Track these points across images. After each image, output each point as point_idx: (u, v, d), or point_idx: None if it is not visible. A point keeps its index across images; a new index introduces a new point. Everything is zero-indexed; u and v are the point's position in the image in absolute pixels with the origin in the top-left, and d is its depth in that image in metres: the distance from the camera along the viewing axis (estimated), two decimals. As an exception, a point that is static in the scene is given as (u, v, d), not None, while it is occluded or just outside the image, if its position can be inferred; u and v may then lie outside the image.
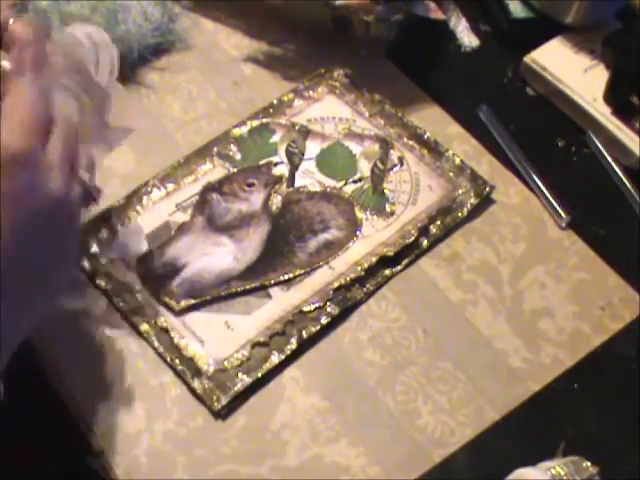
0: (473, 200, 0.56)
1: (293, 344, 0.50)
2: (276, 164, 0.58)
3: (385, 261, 0.53)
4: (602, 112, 0.59)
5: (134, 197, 0.56)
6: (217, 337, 0.50)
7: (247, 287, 0.52)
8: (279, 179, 0.57)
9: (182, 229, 0.55)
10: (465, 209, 0.56)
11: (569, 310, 0.52)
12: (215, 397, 0.48)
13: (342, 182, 0.57)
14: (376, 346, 0.51)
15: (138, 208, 0.56)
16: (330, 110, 0.61)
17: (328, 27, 0.64)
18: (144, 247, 0.54)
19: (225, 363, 0.49)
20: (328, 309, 0.51)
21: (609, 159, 0.59)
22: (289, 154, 0.59)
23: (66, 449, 0.48)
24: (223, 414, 0.48)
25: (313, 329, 0.51)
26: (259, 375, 0.49)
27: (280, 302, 0.52)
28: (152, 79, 0.63)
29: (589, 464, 0.43)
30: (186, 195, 0.57)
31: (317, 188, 0.57)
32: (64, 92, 0.41)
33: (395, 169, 0.58)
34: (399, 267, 0.53)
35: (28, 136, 0.35)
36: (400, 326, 0.51)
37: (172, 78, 0.63)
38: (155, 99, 0.62)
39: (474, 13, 0.68)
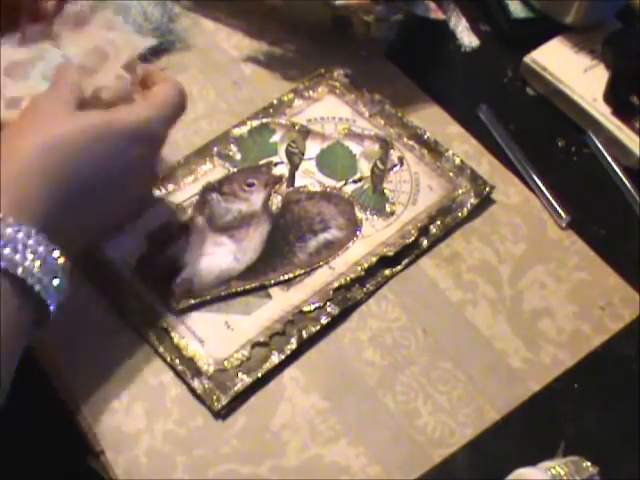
0: (473, 200, 0.56)
1: (293, 344, 0.50)
2: (276, 164, 0.58)
3: (385, 261, 0.53)
4: (602, 112, 0.59)
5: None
6: (217, 337, 0.50)
7: (247, 287, 0.52)
8: (279, 179, 0.57)
9: (182, 229, 0.55)
10: (465, 209, 0.56)
11: (569, 310, 0.52)
12: (215, 397, 0.48)
13: (342, 182, 0.57)
14: (376, 346, 0.51)
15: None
16: (330, 110, 0.61)
17: (328, 27, 0.64)
18: (144, 247, 0.54)
19: (225, 363, 0.49)
20: (328, 309, 0.51)
21: (609, 159, 0.59)
22: (289, 154, 0.59)
23: (66, 449, 0.48)
24: (223, 414, 0.48)
25: (313, 329, 0.51)
26: (259, 375, 0.49)
27: (280, 302, 0.52)
28: (152, 79, 0.63)
29: (589, 464, 0.43)
30: (186, 195, 0.57)
31: (317, 188, 0.57)
32: None
33: (395, 169, 0.58)
34: (399, 267, 0.53)
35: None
36: (400, 326, 0.51)
37: (172, 78, 0.63)
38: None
39: (474, 13, 0.68)
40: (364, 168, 0.58)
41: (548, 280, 0.53)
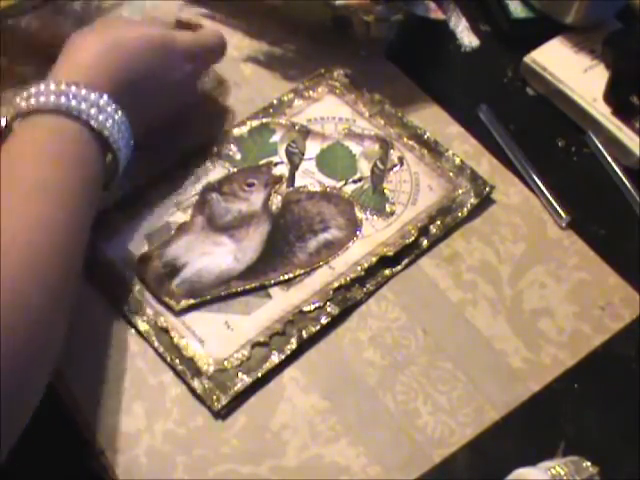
0: (473, 200, 0.56)
1: (293, 344, 0.50)
2: (276, 164, 0.58)
3: (385, 261, 0.53)
4: (602, 112, 0.59)
5: (134, 197, 0.56)
6: (217, 337, 0.50)
7: (247, 287, 0.52)
8: (279, 179, 0.57)
9: (182, 229, 0.55)
10: (465, 209, 0.56)
11: (569, 310, 0.52)
12: (215, 397, 0.48)
13: (342, 182, 0.57)
14: (376, 346, 0.51)
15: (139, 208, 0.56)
16: (330, 110, 0.61)
17: (328, 27, 0.64)
18: (144, 246, 0.54)
19: (225, 363, 0.49)
20: (328, 309, 0.51)
21: (609, 159, 0.59)
22: (289, 154, 0.59)
23: (66, 449, 0.48)
24: (223, 414, 0.48)
25: (313, 329, 0.51)
26: (259, 375, 0.49)
27: (280, 302, 0.52)
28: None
29: (589, 464, 0.43)
30: (186, 195, 0.57)
31: (317, 188, 0.57)
32: None
33: (395, 169, 0.58)
34: (399, 267, 0.53)
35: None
36: (400, 326, 0.51)
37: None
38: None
39: (474, 13, 0.68)
40: (364, 168, 0.58)
41: (548, 280, 0.53)
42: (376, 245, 0.54)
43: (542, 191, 0.56)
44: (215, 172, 0.58)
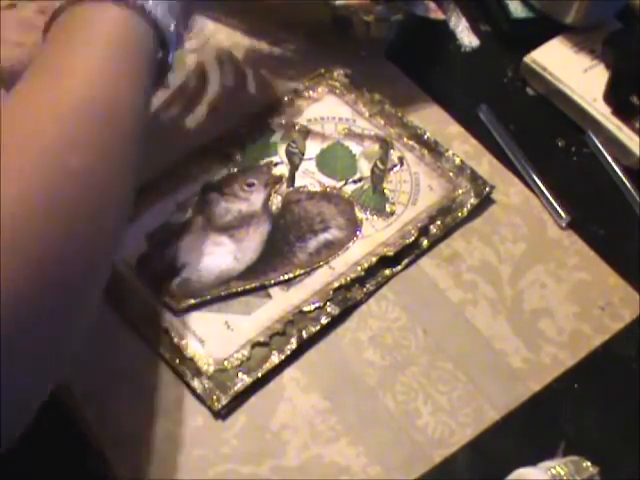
0: (473, 200, 0.56)
1: (293, 344, 0.50)
2: (276, 164, 0.58)
3: (385, 261, 0.53)
4: (602, 112, 0.59)
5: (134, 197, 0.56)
6: (217, 337, 0.50)
7: (247, 287, 0.52)
8: (279, 179, 0.57)
9: (182, 229, 0.55)
10: (465, 209, 0.56)
11: (569, 310, 0.52)
12: (215, 397, 0.48)
13: (342, 182, 0.57)
14: (376, 346, 0.51)
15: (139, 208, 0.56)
16: (330, 110, 0.61)
17: (328, 27, 0.64)
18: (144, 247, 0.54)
19: (225, 363, 0.49)
20: (328, 309, 0.51)
21: (609, 159, 0.59)
22: (289, 154, 0.59)
23: (66, 449, 0.48)
24: (223, 414, 0.48)
25: (313, 329, 0.51)
26: (259, 375, 0.49)
27: (280, 302, 0.52)
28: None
29: (589, 464, 0.43)
30: (186, 195, 0.57)
31: (317, 188, 0.57)
32: None
33: (395, 169, 0.58)
34: (399, 267, 0.53)
35: None
36: (400, 326, 0.51)
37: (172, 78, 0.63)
38: (155, 99, 0.62)
39: (474, 13, 0.68)
40: (364, 168, 0.58)
41: (548, 280, 0.53)
42: (376, 245, 0.54)
43: (542, 191, 0.56)
44: (215, 172, 0.58)
